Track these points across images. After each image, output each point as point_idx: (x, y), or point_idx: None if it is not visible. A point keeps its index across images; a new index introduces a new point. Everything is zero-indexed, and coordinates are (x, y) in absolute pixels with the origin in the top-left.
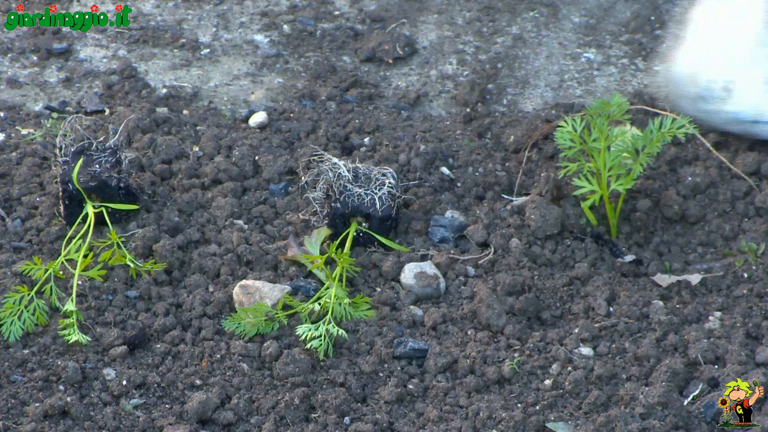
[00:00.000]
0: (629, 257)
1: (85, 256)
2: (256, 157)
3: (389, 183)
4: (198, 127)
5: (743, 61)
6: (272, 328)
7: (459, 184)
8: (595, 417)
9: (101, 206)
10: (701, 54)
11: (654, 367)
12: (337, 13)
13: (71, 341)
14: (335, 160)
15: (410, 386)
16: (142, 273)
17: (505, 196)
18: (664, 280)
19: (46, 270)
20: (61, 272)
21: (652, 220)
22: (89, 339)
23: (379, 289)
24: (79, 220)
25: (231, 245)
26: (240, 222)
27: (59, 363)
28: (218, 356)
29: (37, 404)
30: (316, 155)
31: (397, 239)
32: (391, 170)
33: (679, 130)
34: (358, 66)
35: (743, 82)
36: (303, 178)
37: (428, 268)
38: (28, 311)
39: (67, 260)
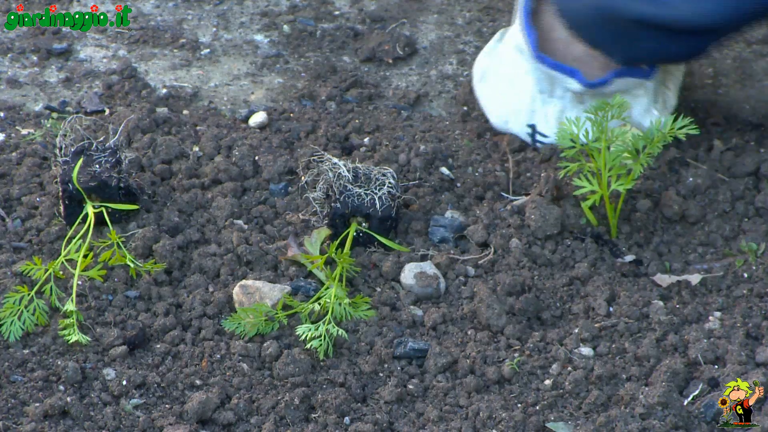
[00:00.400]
0: (629, 257)
1: (85, 256)
2: (256, 157)
3: (389, 183)
4: (198, 127)
5: (536, 104)
6: (272, 328)
7: (459, 184)
8: (595, 417)
9: (101, 206)
10: (501, 103)
11: (654, 367)
12: (337, 13)
13: (71, 341)
14: (335, 160)
15: (410, 386)
16: (142, 273)
17: (504, 194)
18: (664, 280)
19: (46, 270)
20: (61, 272)
21: (652, 220)
22: (89, 339)
23: (379, 289)
24: (79, 220)
25: (231, 245)
26: (240, 222)
27: (59, 363)
28: (218, 356)
29: (37, 404)
30: (316, 155)
31: (397, 239)
32: (391, 170)
33: (681, 131)
34: (358, 66)
35: (542, 123)
36: (303, 178)
37: (428, 268)
38: (28, 311)
39: (67, 260)
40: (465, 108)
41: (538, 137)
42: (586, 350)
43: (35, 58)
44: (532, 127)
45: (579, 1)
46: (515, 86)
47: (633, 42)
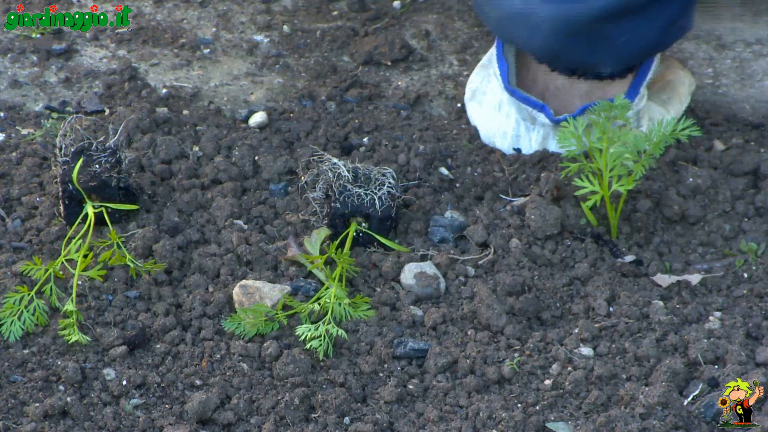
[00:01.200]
0: (629, 257)
1: (85, 256)
2: (256, 157)
3: (389, 183)
4: (198, 127)
5: (521, 130)
6: (272, 329)
7: (458, 185)
8: (595, 417)
9: (101, 206)
10: (488, 124)
11: (654, 367)
12: (336, 13)
13: (71, 341)
14: (335, 160)
15: (410, 386)
16: (142, 273)
17: (503, 196)
18: (664, 280)
19: (46, 270)
20: (61, 272)
21: (652, 220)
22: (89, 339)
23: (379, 289)
24: (79, 220)
25: (231, 245)
26: (240, 222)
27: (59, 363)
28: (218, 356)
29: (37, 404)
30: (315, 155)
31: (397, 239)
32: (391, 170)
33: (682, 132)
34: (358, 66)
35: (526, 148)
36: (303, 178)
37: (428, 268)
38: (28, 311)
39: (67, 260)
40: (465, 108)
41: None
42: (586, 350)
43: (35, 58)
44: (518, 150)
45: (538, 35)
46: (501, 110)
47: (611, 43)
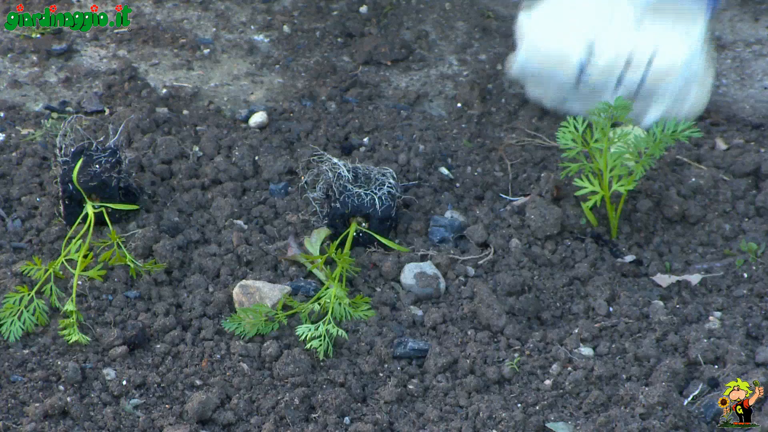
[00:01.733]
0: (629, 257)
1: (85, 256)
2: (256, 157)
3: (389, 183)
4: (198, 127)
5: (595, 29)
6: (272, 328)
7: (458, 185)
8: (595, 417)
9: (101, 206)
10: (558, 26)
11: (654, 367)
12: (336, 13)
13: (71, 341)
14: (335, 160)
15: (410, 386)
16: (142, 273)
17: (503, 195)
18: (664, 280)
19: (46, 270)
20: (61, 272)
21: (652, 220)
22: (89, 339)
23: (379, 289)
24: (79, 220)
25: (231, 245)
26: (240, 222)
27: (59, 363)
28: (218, 356)
29: (37, 404)
30: (315, 155)
31: (397, 239)
32: (391, 170)
33: (683, 133)
34: (357, 66)
35: (600, 46)
36: (303, 178)
37: (428, 268)
38: (28, 311)
39: (67, 260)
40: (465, 108)
41: (588, 70)
42: (586, 350)
43: (35, 58)
44: (588, 50)
45: None
46: (575, 10)
47: None
